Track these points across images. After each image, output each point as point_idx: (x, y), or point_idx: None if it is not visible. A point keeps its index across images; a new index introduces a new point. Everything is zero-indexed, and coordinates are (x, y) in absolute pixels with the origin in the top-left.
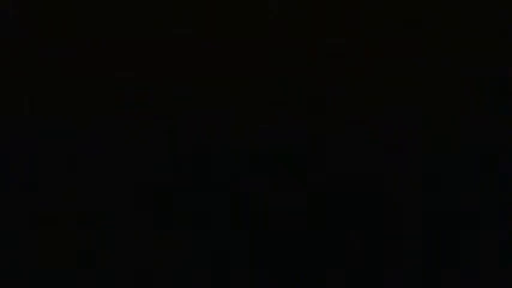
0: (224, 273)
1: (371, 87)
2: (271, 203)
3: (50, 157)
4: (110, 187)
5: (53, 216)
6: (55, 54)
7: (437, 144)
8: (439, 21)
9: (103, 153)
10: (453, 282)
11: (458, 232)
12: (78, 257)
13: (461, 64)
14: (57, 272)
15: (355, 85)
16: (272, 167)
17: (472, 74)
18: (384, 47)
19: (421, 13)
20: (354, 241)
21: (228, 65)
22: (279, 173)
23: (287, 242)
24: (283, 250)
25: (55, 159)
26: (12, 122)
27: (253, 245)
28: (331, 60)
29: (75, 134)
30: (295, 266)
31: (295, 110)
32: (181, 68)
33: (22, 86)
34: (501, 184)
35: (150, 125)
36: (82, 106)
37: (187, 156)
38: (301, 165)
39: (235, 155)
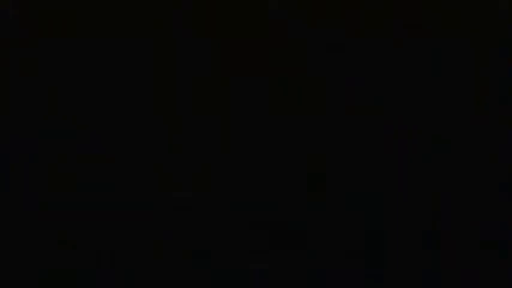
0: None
1: (371, 87)
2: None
3: (50, 157)
4: (109, 187)
5: (53, 218)
6: (55, 54)
7: (437, 145)
8: (439, 21)
9: (103, 153)
10: (453, 282)
11: (458, 232)
12: (74, 257)
13: (462, 64)
14: (56, 272)
15: (355, 85)
16: (271, 167)
17: (472, 74)
18: (384, 47)
19: (421, 13)
20: (353, 240)
21: (228, 65)
22: (278, 172)
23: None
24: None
25: (55, 159)
26: (12, 122)
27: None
28: (331, 60)
29: (75, 134)
30: (292, 261)
31: (295, 110)
32: (181, 68)
33: (22, 86)
34: (501, 184)
35: (150, 125)
36: (82, 106)
37: (187, 157)
38: (301, 165)
39: (234, 155)
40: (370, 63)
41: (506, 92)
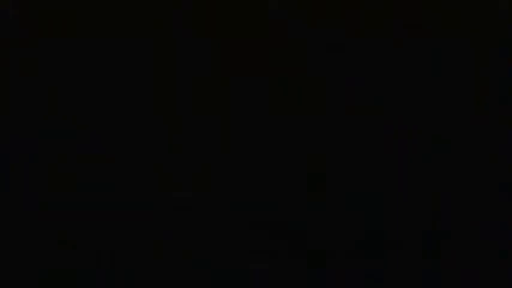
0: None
1: (371, 87)
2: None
3: (50, 157)
4: (109, 187)
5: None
6: (55, 54)
7: (437, 145)
8: (439, 21)
9: (103, 153)
10: (453, 282)
11: (458, 232)
12: (74, 257)
13: (462, 64)
14: (56, 272)
15: (355, 85)
16: (271, 167)
17: (472, 74)
18: (384, 47)
19: (421, 13)
20: (353, 240)
21: (228, 65)
22: (278, 172)
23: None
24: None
25: (55, 159)
26: (12, 122)
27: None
28: (331, 60)
29: (75, 134)
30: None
31: (295, 110)
32: (181, 68)
33: (22, 86)
34: (501, 184)
35: (150, 125)
36: (82, 106)
37: (187, 157)
38: (301, 165)
39: (234, 155)
40: (370, 63)
41: (506, 92)
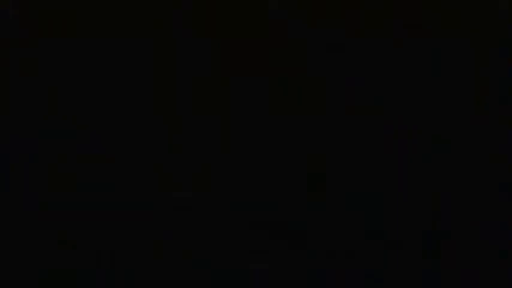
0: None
1: (371, 87)
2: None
3: (50, 157)
4: (109, 187)
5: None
6: (55, 54)
7: (437, 145)
8: (439, 21)
9: (103, 153)
10: (453, 282)
11: (458, 232)
12: (74, 257)
13: (462, 64)
14: (56, 272)
15: (355, 85)
16: (271, 167)
17: (472, 74)
18: (384, 47)
19: (421, 13)
20: (353, 240)
21: (228, 65)
22: (278, 172)
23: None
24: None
25: (55, 159)
26: (12, 122)
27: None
28: (331, 60)
29: (75, 134)
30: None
31: (295, 110)
32: (181, 68)
33: (22, 86)
34: (501, 184)
35: (150, 125)
36: (82, 106)
37: (187, 157)
38: (300, 163)
39: (234, 155)
40: (370, 63)
41: (506, 92)
